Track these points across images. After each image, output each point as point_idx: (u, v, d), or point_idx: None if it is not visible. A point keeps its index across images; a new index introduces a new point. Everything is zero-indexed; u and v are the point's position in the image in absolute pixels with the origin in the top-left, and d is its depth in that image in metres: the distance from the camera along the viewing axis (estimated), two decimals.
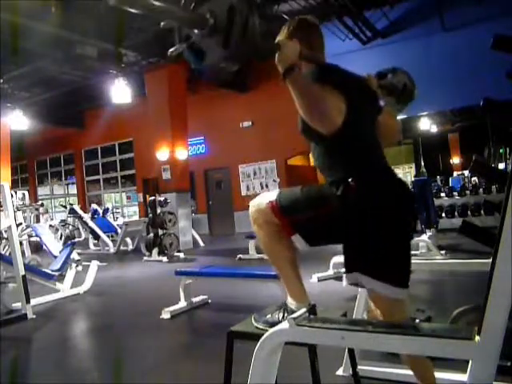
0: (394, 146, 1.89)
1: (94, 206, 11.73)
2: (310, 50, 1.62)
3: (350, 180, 1.49)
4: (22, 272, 4.16)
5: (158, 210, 8.25)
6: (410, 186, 11.23)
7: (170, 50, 1.42)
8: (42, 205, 12.30)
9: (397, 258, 1.56)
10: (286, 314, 1.60)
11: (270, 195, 1.65)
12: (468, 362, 1.12)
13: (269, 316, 1.65)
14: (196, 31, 1.36)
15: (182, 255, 8.16)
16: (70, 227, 11.27)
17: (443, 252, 5.59)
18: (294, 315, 1.41)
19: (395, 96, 1.70)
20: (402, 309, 1.62)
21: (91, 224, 9.99)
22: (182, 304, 4.05)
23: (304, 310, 1.52)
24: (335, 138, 1.50)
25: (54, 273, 5.05)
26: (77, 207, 10.69)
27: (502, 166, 11.75)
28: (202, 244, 9.80)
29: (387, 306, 1.56)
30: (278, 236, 1.63)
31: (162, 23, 1.36)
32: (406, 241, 1.60)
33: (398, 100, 1.72)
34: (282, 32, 1.69)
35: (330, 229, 1.57)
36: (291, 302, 1.63)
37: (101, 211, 11.19)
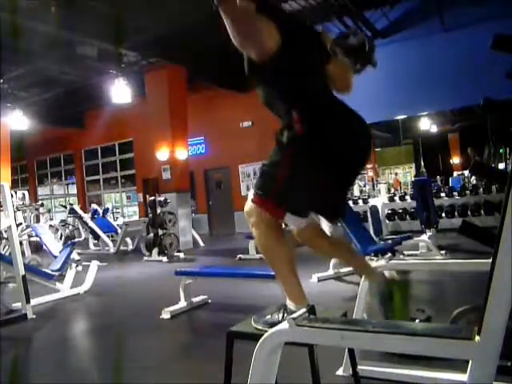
0: (345, 93, 1.84)
1: (94, 205, 11.73)
2: None
3: (293, 113, 1.57)
4: (22, 272, 4.16)
5: (158, 210, 8.25)
6: (410, 187, 11.24)
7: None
8: (42, 205, 12.29)
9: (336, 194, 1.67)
10: (285, 315, 1.60)
11: (251, 193, 1.69)
12: (468, 362, 1.12)
13: (268, 316, 1.65)
14: None
15: (182, 255, 8.16)
16: (70, 227, 11.27)
17: (443, 252, 5.58)
18: (294, 315, 1.41)
19: (352, 56, 1.72)
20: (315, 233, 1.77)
21: (91, 224, 9.99)
22: (182, 304, 4.05)
23: (304, 310, 1.52)
24: (274, 71, 1.57)
25: (53, 273, 5.05)
26: (77, 207, 10.68)
27: (502, 166, 11.74)
28: (201, 244, 9.80)
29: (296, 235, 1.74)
30: (276, 236, 1.63)
31: None
32: (348, 176, 1.70)
33: (355, 61, 1.74)
34: None
35: (300, 183, 1.60)
36: (290, 303, 1.63)
37: (101, 211, 11.18)
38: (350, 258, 1.96)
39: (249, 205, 1.68)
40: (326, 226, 1.70)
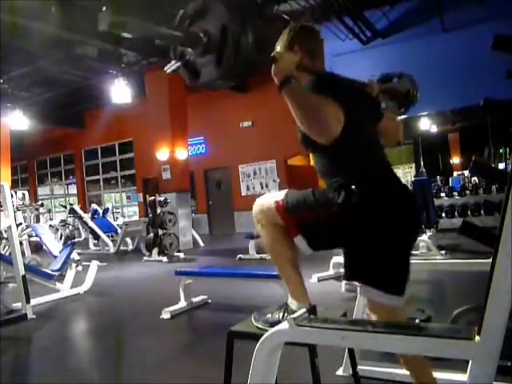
0: (394, 146, 1.89)
1: (94, 205, 11.73)
2: (310, 56, 1.61)
3: (352, 187, 1.48)
4: (22, 272, 4.16)
5: (158, 210, 8.25)
6: (410, 187, 11.24)
7: (166, 67, 1.44)
8: (42, 205, 12.28)
9: (394, 267, 1.56)
10: (286, 314, 1.60)
11: (277, 195, 1.66)
12: (468, 362, 1.12)
13: (269, 315, 1.66)
14: (190, 50, 1.38)
15: (182, 255, 8.16)
16: (70, 227, 11.27)
17: (443, 252, 5.58)
18: (294, 315, 1.41)
19: (397, 101, 1.70)
20: (399, 316, 1.62)
21: (91, 224, 9.99)
22: (182, 304, 4.05)
23: (304, 310, 1.52)
24: (334, 147, 1.48)
25: (53, 273, 5.05)
26: (77, 207, 10.69)
27: (502, 166, 11.75)
28: (201, 244, 9.80)
29: (383, 313, 1.57)
30: (282, 236, 1.63)
31: (156, 41, 1.40)
32: (406, 248, 1.60)
33: (399, 105, 1.72)
34: (281, 37, 1.69)
35: (332, 234, 1.58)
36: (292, 302, 1.63)
37: (101, 211, 11.18)
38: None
39: (262, 202, 1.67)
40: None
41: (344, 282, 1.63)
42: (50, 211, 14.06)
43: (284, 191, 1.66)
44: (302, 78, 1.50)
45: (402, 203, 1.55)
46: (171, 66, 1.42)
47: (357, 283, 1.56)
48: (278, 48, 1.66)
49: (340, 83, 1.60)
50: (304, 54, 1.60)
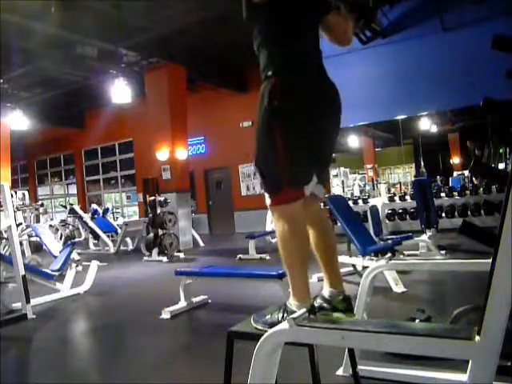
0: (344, 45, 1.83)
1: (94, 205, 11.73)
2: None
3: (269, 73, 1.61)
4: (22, 272, 4.16)
5: (158, 210, 8.25)
6: (410, 186, 11.24)
7: None
8: (42, 205, 12.29)
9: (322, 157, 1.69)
10: (285, 315, 1.60)
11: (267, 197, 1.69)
12: (468, 362, 1.12)
13: (268, 316, 1.65)
14: None
15: (182, 255, 8.16)
16: (70, 227, 11.27)
17: (443, 252, 5.58)
18: (294, 315, 1.41)
19: (356, 11, 1.74)
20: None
21: (91, 224, 9.99)
22: (182, 304, 4.05)
23: (304, 310, 1.52)
24: (267, 12, 1.62)
25: (53, 273, 5.05)
26: (77, 207, 10.68)
27: (502, 166, 11.75)
28: (201, 244, 9.80)
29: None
30: (295, 232, 1.61)
31: None
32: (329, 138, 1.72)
33: (358, 15, 1.76)
34: None
35: (297, 157, 1.61)
36: (292, 302, 1.63)
37: (101, 211, 11.18)
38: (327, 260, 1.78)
39: (267, 200, 1.69)
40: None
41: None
42: (46, 212, 14.02)
43: None
44: None
45: (318, 90, 1.63)
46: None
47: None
48: None
49: None
50: None
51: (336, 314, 1.64)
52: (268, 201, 1.66)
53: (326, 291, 1.72)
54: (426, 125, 13.20)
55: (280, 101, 1.58)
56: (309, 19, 1.72)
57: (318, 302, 1.68)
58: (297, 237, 1.61)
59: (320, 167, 1.72)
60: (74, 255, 5.61)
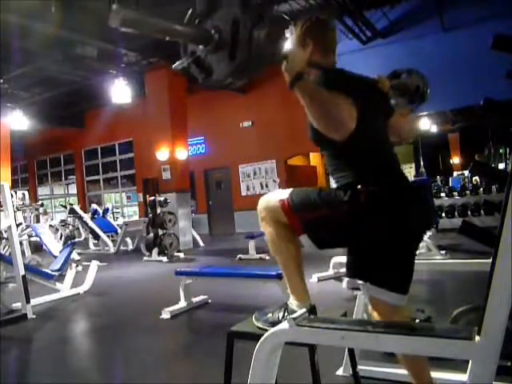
0: (409, 142, 1.89)
1: (94, 205, 11.73)
2: (323, 51, 1.61)
3: (358, 187, 1.48)
4: (22, 272, 4.16)
5: (158, 210, 8.25)
6: None
7: (175, 64, 1.42)
8: (42, 205, 12.28)
9: (400, 265, 1.56)
10: (286, 314, 1.60)
11: (282, 193, 1.65)
12: (468, 362, 1.12)
13: (269, 315, 1.65)
14: (201, 47, 1.37)
15: (181, 255, 8.16)
16: (70, 227, 11.27)
17: (443, 252, 5.58)
18: (294, 315, 1.41)
19: (407, 97, 1.70)
20: (401, 315, 1.62)
21: (91, 224, 9.99)
22: (182, 304, 4.06)
23: (304, 310, 1.52)
24: (346, 143, 1.45)
25: (53, 273, 5.04)
26: (77, 207, 10.68)
27: (502, 166, 11.75)
28: (201, 244, 9.80)
29: (386, 312, 1.56)
30: (286, 234, 1.62)
31: (167, 38, 1.39)
32: (411, 247, 1.60)
33: (410, 101, 1.71)
34: (295, 31, 1.68)
35: (337, 234, 1.57)
36: (292, 302, 1.63)
37: (101, 211, 11.18)
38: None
39: (267, 200, 1.66)
40: None
41: (346, 279, 1.62)
42: (47, 213, 14.01)
43: (289, 190, 1.65)
44: (312, 74, 1.49)
45: (410, 203, 1.53)
46: (182, 64, 1.40)
47: (359, 281, 1.56)
48: (290, 43, 1.64)
49: (351, 78, 1.60)
50: (317, 48, 1.59)
51: None
52: (280, 196, 1.62)
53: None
54: (426, 125, 13.19)
55: (366, 212, 1.49)
56: (382, 125, 1.65)
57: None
58: (288, 238, 1.62)
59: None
60: (74, 255, 5.62)
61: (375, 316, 1.59)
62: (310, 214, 1.57)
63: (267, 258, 6.69)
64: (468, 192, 9.21)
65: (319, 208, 1.55)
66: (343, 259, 4.62)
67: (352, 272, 1.59)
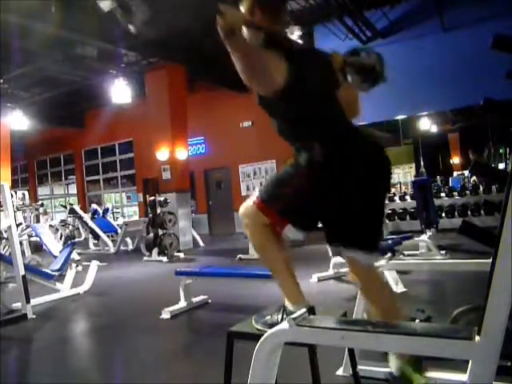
0: (353, 118, 1.83)
1: (94, 205, 11.73)
2: (271, 20, 1.67)
3: (313, 144, 1.57)
4: (22, 272, 4.16)
5: (158, 210, 8.25)
6: (410, 186, 11.25)
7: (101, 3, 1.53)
8: (42, 205, 12.29)
9: (363, 222, 1.61)
10: (285, 315, 1.60)
11: (254, 195, 1.68)
12: (468, 362, 1.12)
13: (268, 317, 1.65)
14: None
15: (181, 255, 8.16)
16: (70, 227, 11.27)
17: (443, 252, 5.58)
18: (294, 315, 1.41)
19: (362, 76, 1.72)
20: (377, 275, 1.76)
21: (91, 224, 9.99)
22: (182, 304, 4.06)
23: (304, 310, 1.52)
24: (284, 101, 1.59)
25: (53, 273, 5.04)
26: (77, 207, 10.68)
27: (502, 166, 11.75)
28: (202, 244, 9.80)
29: (360, 272, 1.67)
30: (271, 238, 1.63)
31: None
32: (376, 204, 1.65)
33: (364, 80, 1.74)
34: None
35: (308, 205, 1.60)
36: (289, 304, 1.63)
37: (101, 211, 11.18)
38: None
39: (245, 206, 1.68)
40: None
41: (328, 247, 1.68)
42: (47, 213, 14.01)
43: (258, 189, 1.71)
44: (252, 36, 1.56)
45: (367, 159, 1.59)
46: (109, 5, 1.51)
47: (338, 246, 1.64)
48: (242, 9, 1.71)
49: (294, 44, 1.71)
50: (264, 17, 1.65)
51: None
52: (250, 200, 1.66)
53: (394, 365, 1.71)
54: (426, 125, 13.20)
55: (322, 171, 1.56)
56: (328, 92, 1.72)
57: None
58: (272, 241, 1.64)
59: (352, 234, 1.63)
60: (74, 255, 5.61)
61: (353, 277, 1.69)
62: (280, 199, 1.61)
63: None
64: (468, 192, 9.21)
65: (284, 188, 1.61)
66: (343, 259, 4.62)
67: (329, 238, 1.64)
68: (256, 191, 1.69)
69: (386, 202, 1.77)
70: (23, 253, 7.52)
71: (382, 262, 2.26)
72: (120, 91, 9.57)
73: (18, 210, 9.62)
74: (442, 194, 9.55)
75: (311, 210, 1.62)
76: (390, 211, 9.28)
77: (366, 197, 1.57)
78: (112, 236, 10.66)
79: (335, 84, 1.74)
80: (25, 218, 11.32)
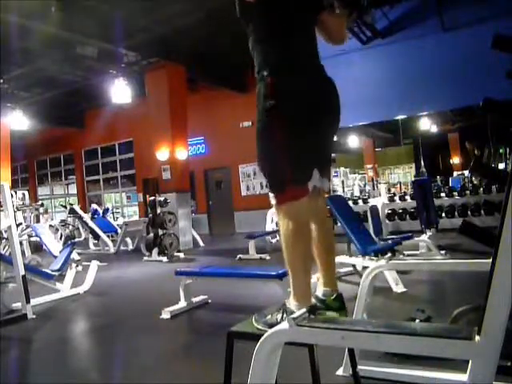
0: (338, 44, 1.81)
1: (94, 205, 11.73)
2: None
3: (264, 73, 1.60)
4: (22, 272, 4.16)
5: (158, 210, 8.25)
6: (410, 186, 11.24)
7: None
8: (42, 205, 12.29)
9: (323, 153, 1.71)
10: (285, 315, 1.60)
11: (271, 194, 1.70)
12: (468, 362, 1.12)
13: (269, 317, 1.65)
14: None
15: (181, 255, 8.16)
16: (70, 227, 11.27)
17: (443, 252, 5.58)
18: (294, 315, 1.41)
19: (348, 7, 1.79)
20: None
21: (91, 224, 9.99)
22: (182, 304, 4.05)
23: (304, 310, 1.52)
24: (260, 11, 1.63)
25: (53, 273, 5.05)
26: (77, 207, 10.69)
27: (502, 166, 11.74)
28: (201, 244, 9.80)
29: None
30: (299, 231, 1.60)
31: None
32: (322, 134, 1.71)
33: (345, 5, 1.79)
34: None
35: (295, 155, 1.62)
36: (291, 302, 1.63)
37: (101, 211, 11.18)
38: (324, 262, 1.80)
39: (272, 200, 1.70)
40: None
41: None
42: (47, 212, 14.01)
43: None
44: None
45: (315, 89, 1.63)
46: None
47: None
48: None
49: None
50: None
51: (329, 313, 1.65)
52: (273, 200, 1.67)
53: (320, 291, 1.73)
54: (426, 125, 13.20)
55: (276, 100, 1.59)
56: (302, 18, 1.73)
57: (312, 302, 1.68)
58: (300, 237, 1.60)
59: (320, 163, 1.72)
60: (74, 255, 5.61)
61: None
62: (284, 177, 1.61)
63: (267, 258, 6.69)
64: (468, 192, 9.21)
65: (277, 165, 1.62)
66: (343, 259, 4.61)
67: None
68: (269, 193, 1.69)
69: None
70: (23, 253, 7.52)
71: (382, 262, 2.26)
72: (120, 91, 9.57)
73: (18, 209, 9.62)
74: (442, 194, 9.55)
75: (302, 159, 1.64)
76: (390, 211, 9.28)
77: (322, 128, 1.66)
78: (112, 236, 10.66)
79: (317, 7, 1.76)
80: (25, 218, 11.32)
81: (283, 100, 1.59)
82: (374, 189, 11.87)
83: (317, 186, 1.69)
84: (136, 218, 13.89)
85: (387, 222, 8.78)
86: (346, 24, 1.88)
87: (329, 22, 1.80)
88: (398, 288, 4.02)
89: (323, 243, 1.77)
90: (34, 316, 4.21)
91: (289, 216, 1.61)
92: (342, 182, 12.56)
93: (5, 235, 6.89)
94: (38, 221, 11.81)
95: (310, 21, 1.76)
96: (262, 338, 1.33)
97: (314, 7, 1.75)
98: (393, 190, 12.26)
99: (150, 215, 8.35)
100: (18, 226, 7.88)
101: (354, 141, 14.48)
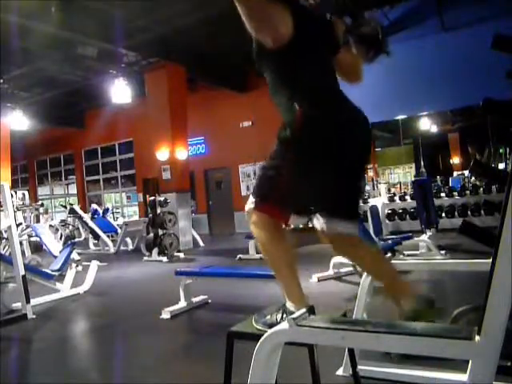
0: (355, 82, 1.79)
1: (94, 205, 11.73)
2: None
3: (295, 104, 1.55)
4: (22, 272, 4.16)
5: (158, 210, 8.25)
6: (410, 186, 11.24)
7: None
8: (42, 205, 12.28)
9: (345, 193, 1.61)
10: (285, 316, 1.59)
11: (251, 197, 1.68)
12: (468, 362, 1.12)
13: (268, 317, 1.65)
14: None
15: (181, 255, 8.16)
16: (70, 227, 11.27)
17: (443, 252, 5.58)
18: (294, 315, 1.41)
19: (365, 44, 1.72)
20: (361, 247, 1.71)
21: (91, 224, 9.98)
22: (182, 304, 4.05)
23: (304, 310, 1.52)
24: (284, 65, 1.59)
25: (53, 273, 5.04)
26: (77, 207, 10.68)
27: (502, 166, 11.75)
28: (202, 244, 9.80)
29: (340, 240, 1.64)
30: (276, 236, 1.62)
31: None
32: (354, 173, 1.65)
33: (367, 48, 1.73)
34: None
35: (298, 183, 1.59)
36: (290, 305, 1.63)
37: (101, 211, 11.18)
38: (382, 270, 1.84)
39: (248, 206, 1.68)
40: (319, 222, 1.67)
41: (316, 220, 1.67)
42: (47, 212, 14.02)
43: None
44: None
45: (350, 127, 1.58)
46: None
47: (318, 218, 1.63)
48: None
49: (298, 3, 1.67)
50: None
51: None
52: (251, 204, 1.66)
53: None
54: (426, 125, 13.21)
55: (305, 135, 1.55)
56: (325, 59, 1.71)
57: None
58: (278, 241, 1.62)
59: (334, 204, 1.63)
60: (74, 255, 5.61)
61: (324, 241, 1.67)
62: (273, 191, 1.59)
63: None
64: (468, 192, 9.21)
65: (277, 179, 1.59)
66: (343, 259, 4.60)
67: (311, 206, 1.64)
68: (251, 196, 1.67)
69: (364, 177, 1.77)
70: (23, 253, 7.52)
71: None
72: (120, 91, 9.57)
73: (18, 209, 9.61)
74: (442, 194, 9.55)
75: (308, 192, 1.61)
76: (390, 211, 9.29)
77: (346, 166, 1.58)
78: (112, 236, 10.66)
79: (335, 48, 1.74)
80: (25, 218, 11.32)
81: (314, 129, 1.55)
82: (374, 189, 11.87)
83: (337, 230, 1.61)
84: (136, 218, 13.88)
85: (387, 221, 8.79)
86: (363, 62, 1.81)
87: (345, 62, 1.76)
88: None
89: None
90: (34, 316, 4.20)
91: (262, 224, 1.63)
92: None
93: (5, 235, 6.89)
94: (38, 221, 11.81)
95: (331, 60, 1.74)
96: (262, 338, 1.34)
97: (332, 48, 1.73)
98: (393, 190, 12.27)
99: (150, 215, 8.35)
100: (18, 226, 7.88)
101: None
